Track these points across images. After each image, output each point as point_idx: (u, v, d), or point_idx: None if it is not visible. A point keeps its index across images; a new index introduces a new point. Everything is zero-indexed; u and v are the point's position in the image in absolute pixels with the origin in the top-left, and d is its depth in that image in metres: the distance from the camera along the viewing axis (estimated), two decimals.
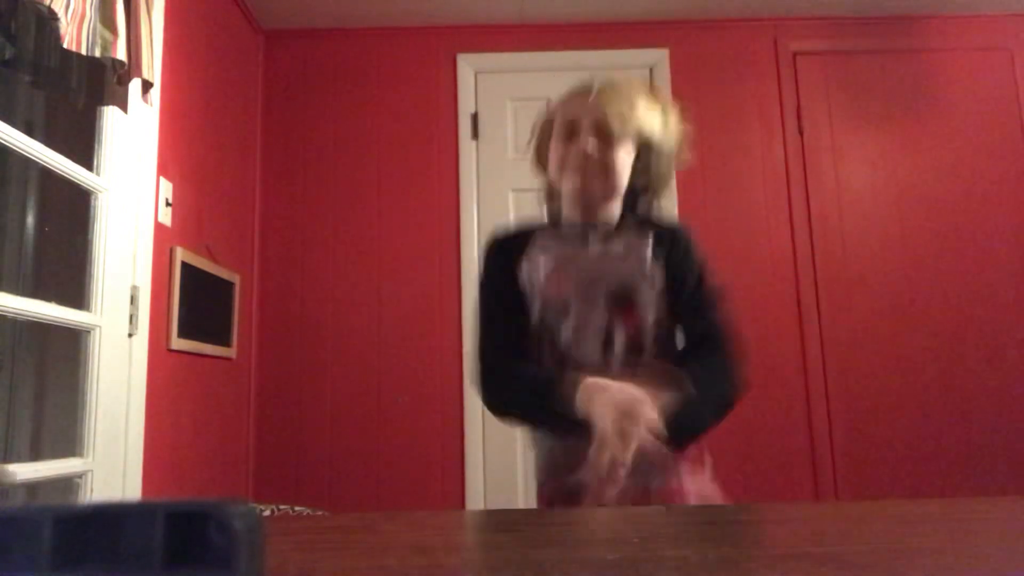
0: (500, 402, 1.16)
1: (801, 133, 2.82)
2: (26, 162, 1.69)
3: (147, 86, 1.76)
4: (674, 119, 1.22)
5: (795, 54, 2.87)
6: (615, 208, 1.16)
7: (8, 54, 1.50)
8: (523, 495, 2.61)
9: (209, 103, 2.35)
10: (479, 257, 1.33)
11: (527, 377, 1.11)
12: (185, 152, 2.17)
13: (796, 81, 2.85)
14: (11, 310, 1.45)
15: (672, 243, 1.13)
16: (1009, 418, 2.64)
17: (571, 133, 1.14)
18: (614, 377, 0.98)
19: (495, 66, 2.87)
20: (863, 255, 2.74)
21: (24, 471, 1.51)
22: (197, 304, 2.17)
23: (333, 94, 2.84)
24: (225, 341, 2.40)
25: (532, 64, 2.87)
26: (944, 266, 2.73)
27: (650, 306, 1.10)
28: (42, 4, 1.36)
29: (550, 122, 1.21)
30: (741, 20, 2.88)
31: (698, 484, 1.12)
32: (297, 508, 2.29)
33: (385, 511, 2.33)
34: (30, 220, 1.98)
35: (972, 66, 2.86)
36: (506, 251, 1.19)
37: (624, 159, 1.13)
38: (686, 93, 2.85)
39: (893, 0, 2.79)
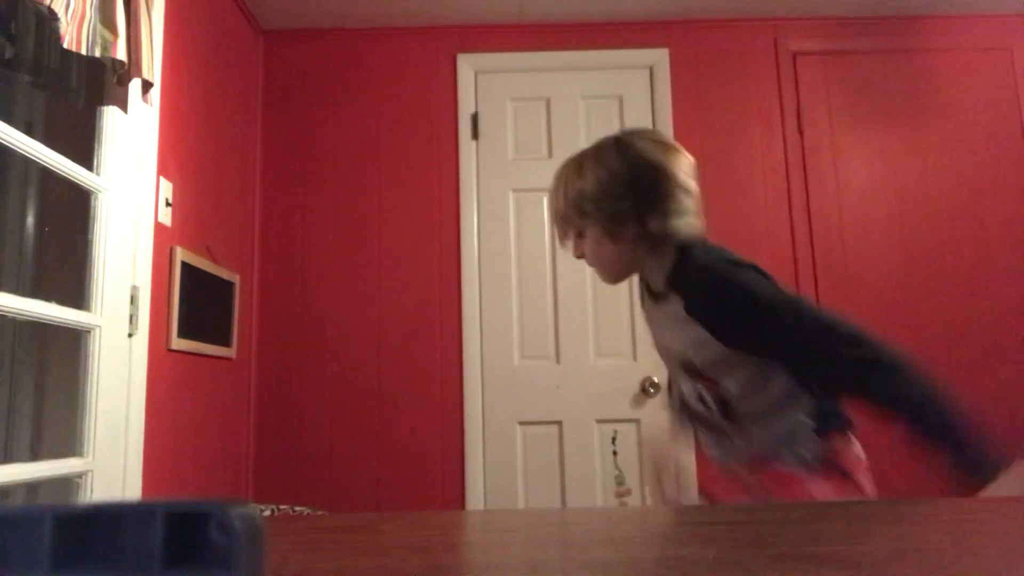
0: None
1: (801, 133, 2.82)
2: (26, 162, 1.69)
3: (147, 86, 1.76)
4: (590, 165, 1.13)
5: (795, 54, 2.87)
6: (637, 269, 1.18)
7: (8, 54, 1.50)
8: (523, 495, 2.61)
9: (209, 103, 2.35)
10: None
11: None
12: (185, 152, 2.17)
13: (796, 81, 2.85)
14: (11, 310, 1.45)
15: (685, 288, 1.10)
16: (1009, 418, 2.64)
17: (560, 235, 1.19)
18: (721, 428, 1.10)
19: (495, 66, 2.87)
20: (863, 255, 2.74)
21: (24, 471, 1.51)
22: (197, 304, 2.17)
23: (333, 94, 2.84)
24: (225, 341, 2.41)
25: (532, 64, 2.87)
26: (944, 266, 2.73)
27: (711, 368, 1.10)
28: (42, 4, 1.36)
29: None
30: (741, 20, 2.88)
31: (824, 493, 1.08)
32: (297, 508, 2.29)
33: (385, 511, 2.33)
34: (30, 220, 1.98)
35: (972, 66, 2.86)
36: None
37: (590, 238, 1.14)
38: (686, 93, 2.85)
39: (893, 0, 2.79)
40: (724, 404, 1.11)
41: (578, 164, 1.14)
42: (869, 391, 0.97)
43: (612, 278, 1.19)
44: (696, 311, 1.06)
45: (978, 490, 0.88)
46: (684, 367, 1.14)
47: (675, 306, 1.10)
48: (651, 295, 1.18)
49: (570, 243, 1.15)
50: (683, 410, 1.21)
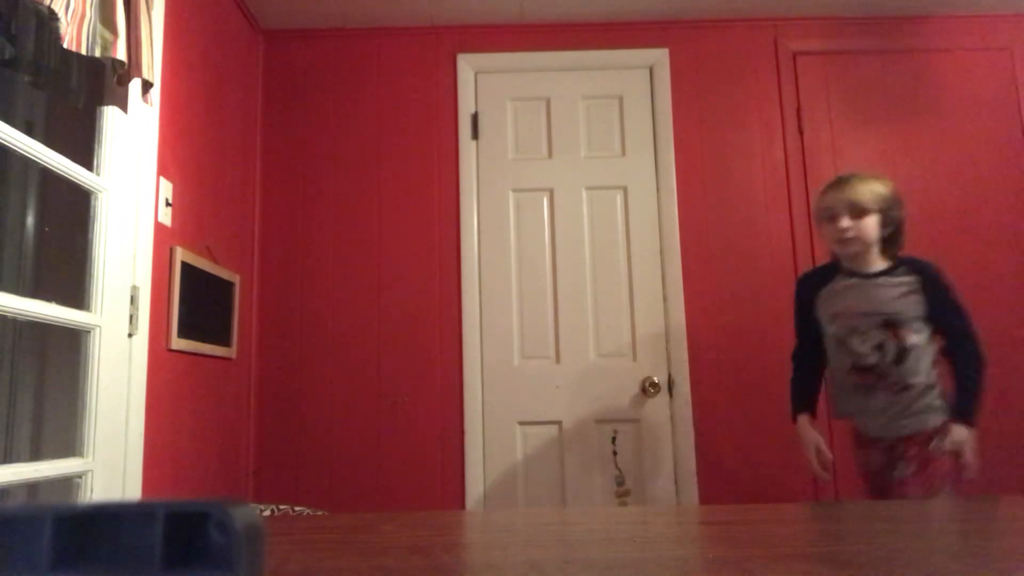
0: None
1: (801, 133, 2.82)
2: (26, 162, 1.69)
3: (147, 86, 1.76)
4: (892, 188, 1.78)
5: (795, 54, 2.87)
6: (874, 255, 1.75)
7: (8, 54, 1.50)
8: (523, 495, 2.61)
9: (209, 103, 2.35)
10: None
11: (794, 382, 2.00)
12: (185, 152, 2.17)
13: (796, 81, 2.85)
14: (11, 310, 1.45)
15: (924, 279, 1.72)
16: (1009, 418, 2.64)
17: (831, 216, 1.75)
18: (884, 374, 1.70)
19: (495, 66, 2.87)
20: None
21: (24, 471, 1.51)
22: (197, 304, 2.17)
23: (333, 94, 2.84)
24: (225, 341, 2.41)
25: (532, 64, 2.87)
26: (943, 265, 2.72)
27: (910, 326, 1.69)
28: (42, 4, 1.36)
29: (817, 212, 1.83)
30: (741, 20, 2.88)
31: (943, 469, 1.67)
32: (297, 508, 2.29)
33: (385, 511, 2.33)
34: (30, 220, 1.98)
35: (972, 66, 2.86)
36: (808, 285, 1.91)
37: (870, 223, 1.71)
38: (686, 93, 2.85)
39: (893, 0, 2.79)
40: (901, 352, 1.68)
41: (884, 184, 1.81)
42: (962, 366, 1.68)
43: (865, 248, 1.74)
44: (928, 292, 1.71)
45: (955, 425, 1.65)
46: (885, 322, 1.69)
47: (898, 282, 1.72)
48: (857, 274, 1.76)
49: (847, 218, 1.72)
50: (851, 369, 1.74)
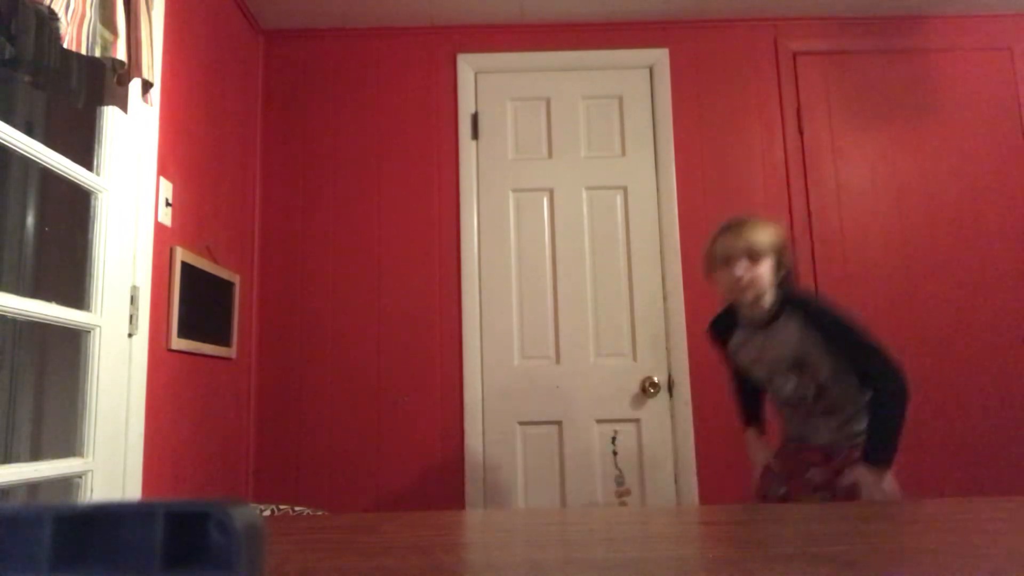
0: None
1: (801, 133, 2.82)
2: (26, 162, 1.69)
3: (147, 86, 1.76)
4: (782, 232, 1.73)
5: (795, 54, 2.87)
6: (767, 300, 1.69)
7: (8, 54, 1.50)
8: (523, 495, 2.61)
9: (209, 103, 2.35)
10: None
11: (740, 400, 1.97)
12: (185, 152, 2.17)
13: (796, 81, 2.85)
14: (11, 310, 1.45)
15: (808, 316, 1.65)
16: (1009, 417, 2.64)
17: (726, 262, 1.67)
18: (809, 414, 1.71)
19: (495, 66, 2.87)
20: (863, 254, 2.74)
21: (24, 471, 1.51)
22: (197, 304, 2.17)
23: (333, 94, 2.84)
24: (225, 341, 2.41)
25: (532, 64, 2.87)
26: (943, 265, 2.73)
27: (817, 364, 1.65)
28: (42, 4, 1.36)
29: (711, 258, 1.73)
30: (741, 20, 2.88)
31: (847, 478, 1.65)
32: (297, 508, 2.29)
33: (385, 511, 2.33)
34: (30, 220, 1.98)
35: (972, 66, 2.86)
36: (717, 335, 1.88)
37: (765, 268, 1.65)
38: (686, 93, 2.85)
39: (893, 0, 2.79)
40: (819, 389, 1.67)
41: (772, 227, 1.72)
42: (877, 405, 1.60)
43: (762, 294, 1.67)
44: (824, 328, 1.64)
45: (861, 468, 1.58)
46: (793, 366, 1.67)
47: (796, 324, 1.65)
48: (754, 325, 1.71)
49: (744, 263, 1.64)
50: (784, 403, 1.76)
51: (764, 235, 1.66)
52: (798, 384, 1.69)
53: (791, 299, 1.69)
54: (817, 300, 1.75)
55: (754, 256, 1.64)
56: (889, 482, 1.57)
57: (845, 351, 1.63)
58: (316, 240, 2.75)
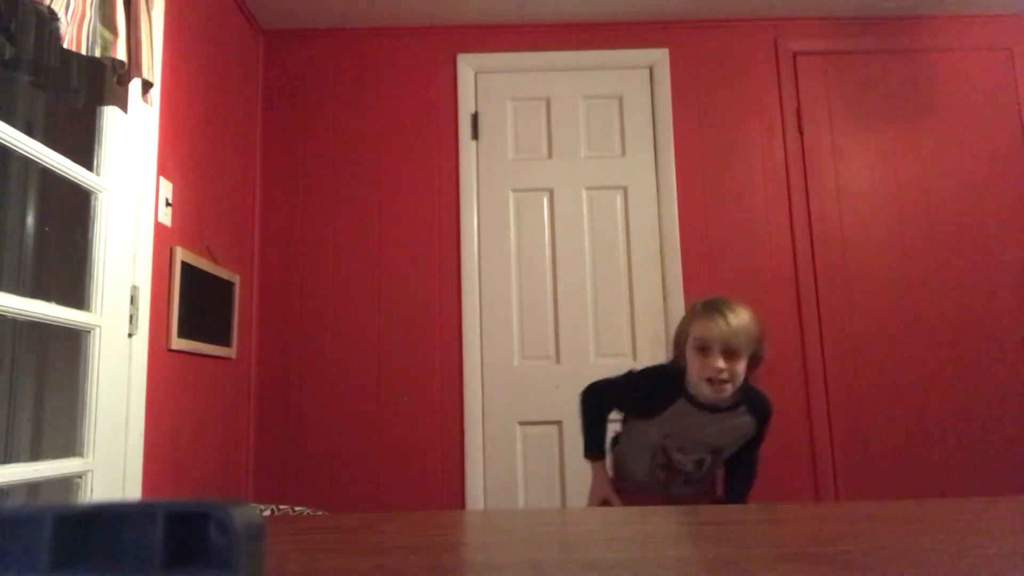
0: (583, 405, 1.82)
1: (801, 133, 2.82)
2: (26, 162, 1.69)
3: (147, 86, 1.76)
4: (760, 323, 1.63)
5: (795, 54, 2.87)
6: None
7: (8, 54, 1.50)
8: (523, 495, 2.61)
9: (209, 103, 2.35)
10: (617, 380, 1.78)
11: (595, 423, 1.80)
12: (185, 152, 2.17)
13: (796, 81, 2.85)
14: (11, 310, 1.45)
15: (760, 421, 1.67)
16: (1009, 417, 2.64)
17: (704, 348, 1.56)
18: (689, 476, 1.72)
19: (495, 66, 2.87)
20: (863, 255, 2.74)
21: (24, 471, 1.51)
22: (197, 304, 2.17)
23: (333, 94, 2.84)
24: (225, 341, 2.40)
25: (532, 64, 2.87)
26: (944, 266, 2.73)
27: (731, 450, 1.69)
28: (42, 4, 1.36)
29: (685, 332, 1.63)
30: (741, 20, 2.88)
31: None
32: (297, 508, 2.29)
33: (385, 511, 2.33)
34: (30, 220, 1.98)
35: (972, 66, 2.86)
36: (647, 396, 1.70)
37: (742, 367, 1.56)
38: (686, 93, 2.85)
39: (893, 0, 2.79)
40: (712, 466, 1.72)
41: (753, 317, 1.63)
42: (745, 475, 1.76)
43: (734, 391, 1.60)
44: (760, 425, 1.68)
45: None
46: (712, 449, 1.68)
47: (740, 420, 1.65)
48: (703, 407, 1.63)
49: (722, 359, 1.55)
50: (660, 467, 1.72)
51: (746, 334, 1.56)
52: (701, 460, 1.69)
53: (748, 395, 1.65)
54: (771, 405, 1.70)
55: (732, 354, 1.54)
56: None
57: (757, 447, 1.72)
58: (316, 240, 2.75)
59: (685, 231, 2.75)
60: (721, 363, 1.53)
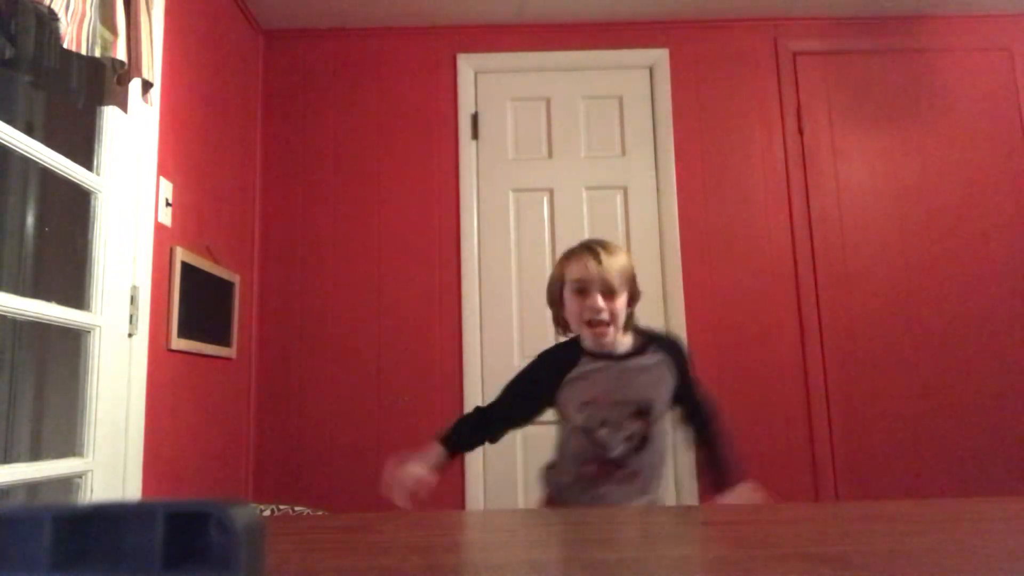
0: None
1: (801, 133, 2.82)
2: (26, 162, 1.69)
3: (147, 86, 1.76)
4: (630, 259, 1.60)
5: (795, 54, 2.87)
6: (619, 333, 1.55)
7: (8, 54, 1.50)
8: (523, 495, 2.61)
9: (209, 103, 2.35)
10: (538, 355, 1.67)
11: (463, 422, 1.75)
12: (185, 152, 2.17)
13: (796, 81, 2.85)
14: (11, 310, 1.45)
15: (675, 358, 1.57)
16: (1009, 418, 2.64)
17: (582, 290, 1.51)
18: (622, 464, 1.54)
19: (495, 66, 2.87)
20: (863, 255, 2.74)
21: (24, 471, 1.51)
22: (197, 304, 2.17)
23: (333, 94, 2.84)
24: (225, 341, 2.40)
25: (532, 64, 2.87)
26: (944, 266, 2.73)
27: (658, 412, 1.54)
28: (42, 4, 1.36)
29: (560, 277, 1.57)
30: (741, 20, 2.88)
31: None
32: (297, 508, 2.29)
33: (385, 511, 2.32)
34: (30, 220, 1.98)
35: (972, 66, 2.86)
36: (552, 367, 1.59)
37: (622, 303, 1.52)
38: (686, 93, 2.85)
39: (893, 0, 2.79)
40: (643, 440, 1.53)
41: (626, 254, 1.60)
42: (716, 432, 1.61)
43: (617, 330, 1.53)
44: (678, 366, 1.57)
45: (720, 492, 1.52)
46: (637, 410, 1.53)
47: (650, 362, 1.55)
48: (608, 356, 1.54)
49: (600, 298, 1.49)
50: (590, 460, 1.57)
51: (620, 268, 1.52)
52: (631, 435, 1.52)
53: (654, 336, 1.59)
54: (683, 342, 1.63)
55: (610, 291, 1.50)
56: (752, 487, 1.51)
57: (695, 394, 1.60)
58: (316, 240, 2.75)
59: (685, 231, 2.75)
60: (601, 302, 1.48)
